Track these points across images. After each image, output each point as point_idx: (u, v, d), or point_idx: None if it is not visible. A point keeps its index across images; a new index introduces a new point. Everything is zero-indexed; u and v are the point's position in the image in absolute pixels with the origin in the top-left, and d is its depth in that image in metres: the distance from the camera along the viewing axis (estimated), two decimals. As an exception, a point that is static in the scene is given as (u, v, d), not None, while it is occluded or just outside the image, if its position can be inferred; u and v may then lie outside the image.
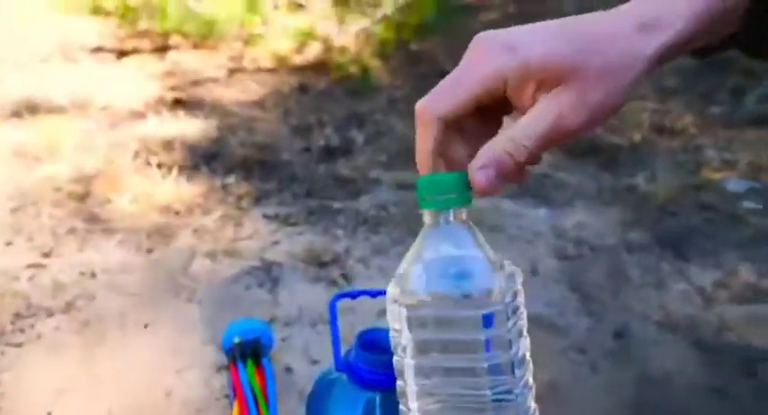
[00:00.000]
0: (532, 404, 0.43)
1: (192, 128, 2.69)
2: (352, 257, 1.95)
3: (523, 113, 0.42)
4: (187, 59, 3.34)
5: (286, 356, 1.56)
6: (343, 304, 0.54)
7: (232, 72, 3.27)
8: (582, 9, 0.44)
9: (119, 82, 3.07)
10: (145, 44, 3.48)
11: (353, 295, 0.55)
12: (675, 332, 1.71)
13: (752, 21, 0.42)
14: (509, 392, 0.40)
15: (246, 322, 0.69)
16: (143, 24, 3.58)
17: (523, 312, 0.43)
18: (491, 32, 0.43)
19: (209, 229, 2.05)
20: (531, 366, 0.43)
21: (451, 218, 0.42)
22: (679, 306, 1.80)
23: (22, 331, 1.63)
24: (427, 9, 3.54)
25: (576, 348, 1.65)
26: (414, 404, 0.42)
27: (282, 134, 2.72)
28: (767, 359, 1.62)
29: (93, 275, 1.83)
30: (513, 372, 0.40)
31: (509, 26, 0.43)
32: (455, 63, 0.43)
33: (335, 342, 0.53)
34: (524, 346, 0.42)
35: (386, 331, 0.52)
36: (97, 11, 3.68)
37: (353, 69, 3.27)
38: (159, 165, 2.36)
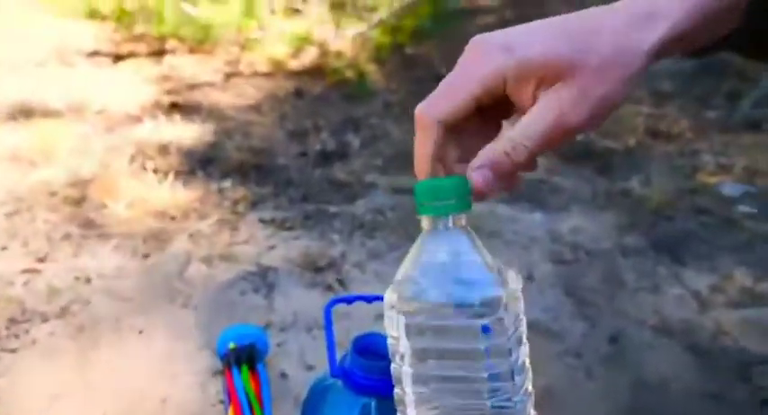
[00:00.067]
0: (532, 412, 0.43)
1: (188, 132, 2.69)
2: (348, 262, 1.94)
3: (524, 114, 0.42)
4: (183, 63, 3.34)
5: (281, 361, 1.56)
6: (339, 309, 0.53)
7: (228, 76, 3.27)
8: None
9: (115, 86, 3.06)
10: (141, 48, 3.47)
11: (349, 301, 0.55)
12: (671, 337, 1.71)
13: (751, 19, 0.42)
14: (509, 399, 0.40)
15: (242, 328, 0.68)
16: (139, 28, 3.58)
17: (523, 319, 0.42)
18: (487, 34, 0.43)
19: (205, 234, 2.04)
20: (530, 373, 0.43)
21: (450, 224, 0.41)
22: (674, 311, 1.80)
23: (16, 336, 1.62)
24: (423, 13, 3.56)
25: (572, 353, 1.65)
26: (412, 412, 0.42)
27: (278, 138, 2.72)
28: (763, 364, 1.62)
29: (89, 280, 1.82)
30: (512, 379, 0.40)
31: (506, 30, 0.43)
32: (451, 67, 0.43)
33: (331, 348, 0.53)
34: (524, 353, 0.42)
35: (381, 337, 0.52)
36: (93, 15, 3.68)
37: (349, 74, 3.27)
38: (155, 170, 2.36)
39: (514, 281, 0.42)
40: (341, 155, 2.60)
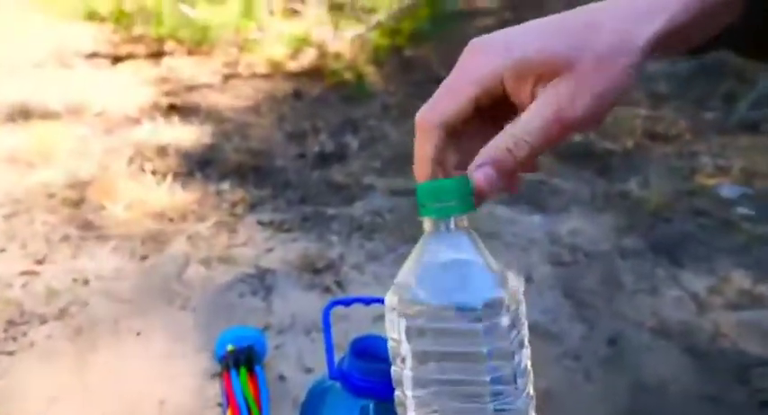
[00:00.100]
0: None
1: (186, 133, 2.68)
2: (347, 264, 1.94)
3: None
4: (182, 65, 3.34)
5: (279, 364, 1.55)
6: (337, 311, 0.53)
7: (227, 78, 3.27)
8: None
9: (113, 87, 3.06)
10: (140, 50, 3.47)
11: (347, 303, 0.55)
12: (669, 339, 1.71)
13: (749, 16, 0.42)
14: (511, 403, 0.40)
15: (240, 330, 0.68)
16: (138, 30, 3.58)
17: (525, 322, 0.42)
18: (485, 36, 0.43)
19: (204, 236, 2.04)
20: (532, 376, 0.43)
21: (452, 226, 0.41)
22: (673, 313, 1.80)
23: (14, 338, 1.62)
24: (422, 16, 3.56)
25: (571, 355, 1.65)
26: (413, 415, 0.42)
27: (277, 140, 2.72)
28: (761, 366, 1.62)
29: (87, 282, 1.82)
30: (515, 382, 0.40)
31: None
32: (449, 69, 0.43)
33: (329, 350, 0.53)
34: (526, 356, 0.42)
35: (380, 339, 0.52)
36: (92, 16, 3.68)
37: (348, 75, 3.27)
38: (153, 172, 2.36)
39: (516, 283, 0.41)
40: (339, 157, 2.60)
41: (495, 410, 0.39)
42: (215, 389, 1.46)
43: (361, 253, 1.99)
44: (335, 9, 3.58)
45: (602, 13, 0.41)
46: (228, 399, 0.62)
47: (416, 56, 3.53)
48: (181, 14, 3.36)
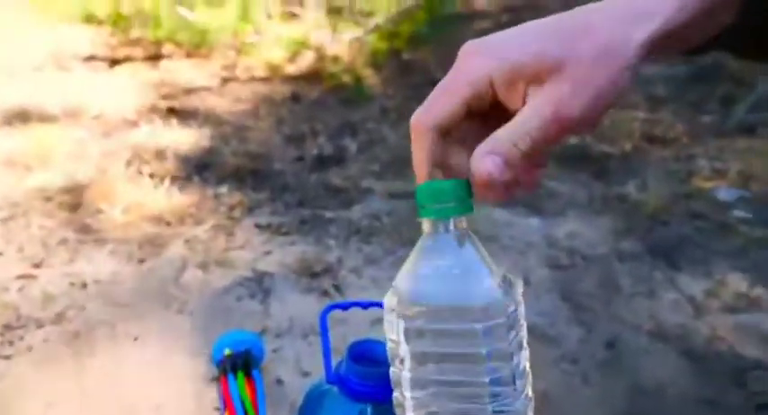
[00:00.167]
0: None
1: (184, 137, 2.68)
2: (345, 267, 1.94)
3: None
4: (180, 68, 3.34)
5: (277, 367, 1.55)
6: (335, 315, 0.53)
7: (225, 81, 3.27)
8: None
9: (111, 90, 3.06)
10: (137, 52, 3.48)
11: (345, 307, 0.55)
12: (666, 342, 1.71)
13: (745, 16, 0.42)
14: (510, 404, 0.40)
15: (237, 334, 0.68)
16: (136, 33, 3.59)
17: (524, 323, 0.42)
18: (478, 39, 0.43)
19: (201, 239, 2.04)
20: (530, 377, 0.43)
21: (451, 227, 0.41)
22: (670, 316, 1.80)
23: (11, 342, 1.62)
24: (420, 19, 3.57)
25: (568, 358, 1.65)
26: (411, 417, 0.41)
27: (275, 143, 2.72)
28: (758, 369, 1.62)
29: (84, 286, 1.82)
30: (514, 384, 0.40)
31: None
32: (447, 72, 0.43)
33: (326, 354, 0.53)
34: (524, 357, 0.42)
35: (377, 343, 0.52)
36: (90, 19, 3.69)
37: (346, 78, 3.28)
38: (151, 175, 2.36)
39: (515, 285, 0.41)
40: (337, 160, 2.60)
41: (494, 412, 0.39)
42: (212, 393, 1.46)
43: (359, 257, 1.99)
44: (334, 12, 3.59)
45: (598, 14, 0.41)
46: (226, 403, 0.61)
47: (415, 59, 3.53)
48: (179, 17, 3.37)
